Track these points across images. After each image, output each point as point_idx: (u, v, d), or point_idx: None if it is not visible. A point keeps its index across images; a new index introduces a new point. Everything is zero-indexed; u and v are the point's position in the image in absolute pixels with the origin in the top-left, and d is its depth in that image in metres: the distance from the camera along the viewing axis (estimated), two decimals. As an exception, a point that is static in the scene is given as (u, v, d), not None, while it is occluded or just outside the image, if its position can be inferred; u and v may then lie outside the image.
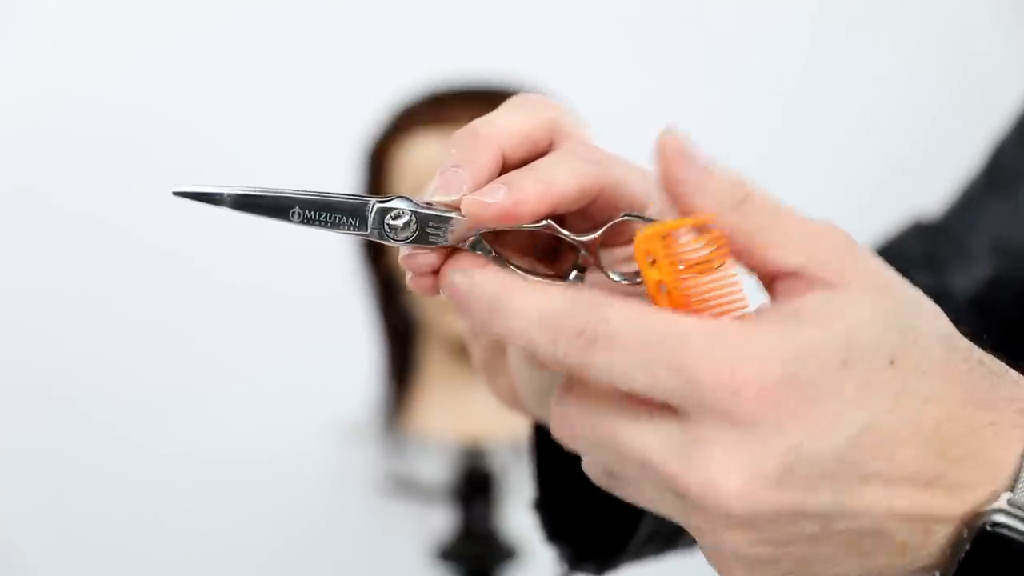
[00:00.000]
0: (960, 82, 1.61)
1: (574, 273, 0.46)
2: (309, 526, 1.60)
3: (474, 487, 1.26)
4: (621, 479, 0.40)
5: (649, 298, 0.41)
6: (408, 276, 0.45)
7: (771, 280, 0.40)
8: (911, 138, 1.58)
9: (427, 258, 0.45)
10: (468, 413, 1.23)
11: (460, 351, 1.22)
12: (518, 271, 0.45)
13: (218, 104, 1.54)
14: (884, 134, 1.59)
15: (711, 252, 0.40)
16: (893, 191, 1.60)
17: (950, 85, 1.60)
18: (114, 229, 1.54)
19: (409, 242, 0.44)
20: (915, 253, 0.80)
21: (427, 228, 0.45)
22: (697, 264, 0.41)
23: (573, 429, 0.40)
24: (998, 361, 0.41)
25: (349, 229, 0.45)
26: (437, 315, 1.19)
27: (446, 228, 0.45)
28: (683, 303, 0.41)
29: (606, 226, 0.46)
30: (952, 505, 0.39)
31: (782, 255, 0.39)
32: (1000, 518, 0.38)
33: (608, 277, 0.46)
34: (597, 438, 0.40)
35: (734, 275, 0.41)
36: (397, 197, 0.45)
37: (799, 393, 0.37)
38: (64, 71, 1.53)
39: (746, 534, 0.38)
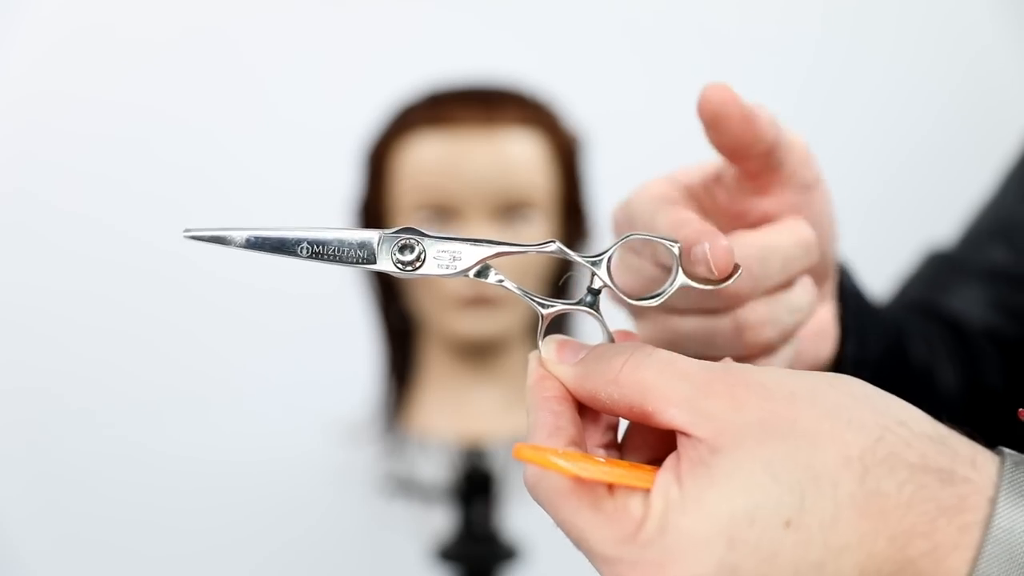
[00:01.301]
0: (963, 84, 1.61)
1: (588, 296, 0.47)
2: (309, 526, 1.60)
3: (474, 487, 1.26)
4: None
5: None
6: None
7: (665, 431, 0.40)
8: (914, 141, 1.59)
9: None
10: (468, 413, 1.23)
11: (460, 351, 1.22)
12: (524, 294, 0.47)
13: (218, 104, 1.54)
14: (887, 137, 1.59)
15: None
16: (896, 193, 1.61)
17: (953, 87, 1.60)
18: (113, 229, 1.54)
19: (417, 272, 0.45)
20: (927, 281, 0.80)
21: (434, 257, 0.45)
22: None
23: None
24: (952, 446, 0.37)
25: (357, 262, 0.46)
26: (437, 315, 1.19)
27: (454, 257, 0.45)
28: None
29: (614, 246, 0.46)
30: None
31: (668, 416, 0.39)
32: None
33: (619, 296, 0.47)
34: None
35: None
36: (403, 228, 0.46)
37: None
38: (63, 71, 1.53)
39: None
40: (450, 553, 1.26)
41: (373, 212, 1.22)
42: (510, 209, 1.14)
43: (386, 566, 1.58)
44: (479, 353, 1.21)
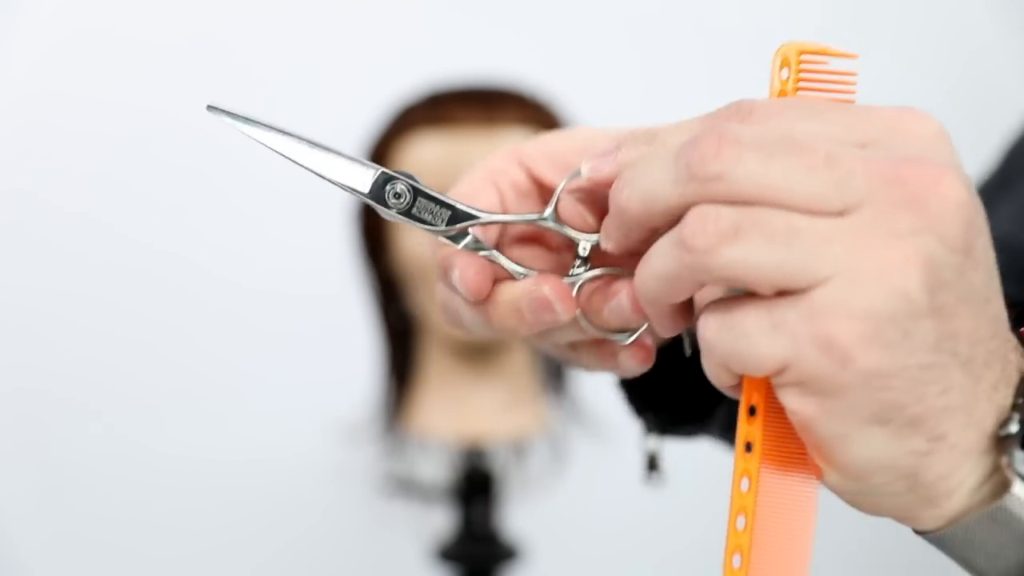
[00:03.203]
0: (962, 83, 1.61)
1: (579, 265, 0.47)
2: (309, 526, 1.60)
3: (474, 487, 1.26)
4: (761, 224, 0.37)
5: None
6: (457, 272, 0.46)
7: None
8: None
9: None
10: (468, 413, 1.23)
11: (460, 351, 1.22)
12: (510, 264, 0.47)
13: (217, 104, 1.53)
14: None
15: (837, 83, 0.41)
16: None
17: (952, 87, 1.60)
18: (113, 229, 1.54)
19: (399, 214, 0.46)
20: None
21: (421, 209, 0.46)
22: (821, 91, 0.41)
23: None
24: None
25: (350, 187, 0.47)
26: (437, 315, 1.19)
27: (440, 214, 0.46)
28: None
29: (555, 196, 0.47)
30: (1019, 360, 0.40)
31: None
32: None
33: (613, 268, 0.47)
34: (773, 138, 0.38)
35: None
36: (401, 172, 0.47)
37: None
38: (63, 71, 1.53)
39: (926, 244, 0.36)
40: (450, 553, 1.26)
41: (373, 212, 1.22)
42: (510, 209, 1.14)
43: (386, 566, 1.58)
44: (479, 353, 1.21)
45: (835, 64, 0.41)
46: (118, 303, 1.55)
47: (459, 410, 1.23)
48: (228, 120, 0.48)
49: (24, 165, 1.54)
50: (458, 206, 0.46)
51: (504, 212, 0.49)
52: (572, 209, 0.46)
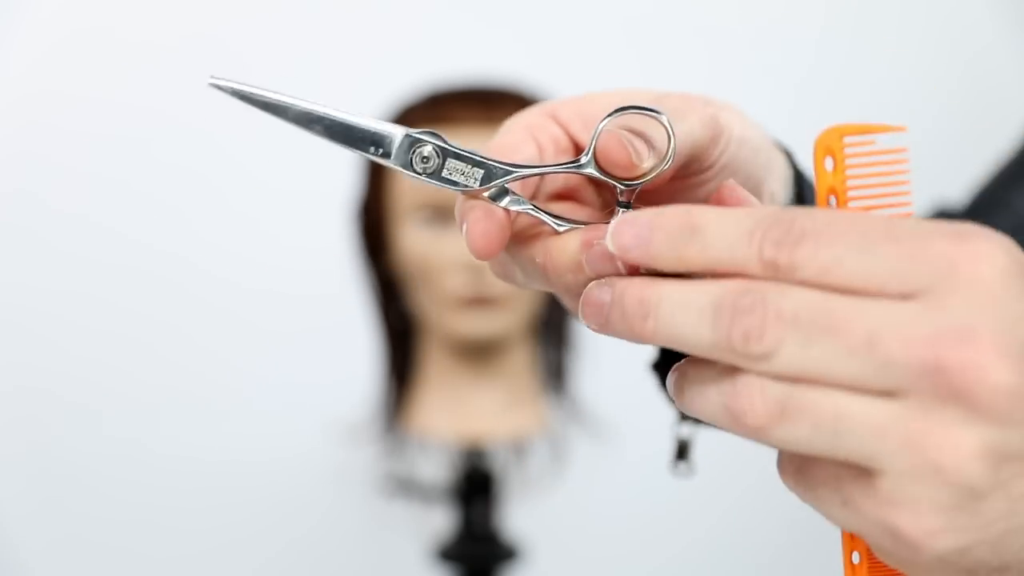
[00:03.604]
0: (962, 83, 1.61)
1: (620, 212, 0.45)
2: (309, 526, 1.60)
3: (474, 487, 1.26)
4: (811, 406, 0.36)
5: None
6: (477, 234, 0.44)
7: None
8: (913, 141, 1.58)
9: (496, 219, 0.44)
10: (468, 413, 1.23)
11: (460, 351, 1.22)
12: (551, 218, 0.45)
13: (217, 105, 1.53)
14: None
15: (888, 164, 0.38)
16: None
17: (952, 87, 1.60)
18: (112, 230, 1.54)
19: (428, 177, 0.45)
20: None
21: (452, 171, 0.45)
22: (872, 175, 0.39)
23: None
24: None
25: (373, 154, 0.45)
26: (437, 315, 1.19)
27: (473, 174, 0.45)
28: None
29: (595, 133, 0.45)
30: None
31: None
32: None
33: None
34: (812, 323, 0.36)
35: (907, 194, 0.39)
36: (427, 131, 0.45)
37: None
38: (63, 71, 1.53)
39: (980, 433, 0.34)
40: (450, 553, 1.26)
41: (373, 212, 1.22)
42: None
43: (386, 566, 1.58)
44: (479, 353, 1.21)
45: (882, 142, 0.39)
46: (118, 303, 1.55)
47: (459, 410, 1.23)
48: (236, 90, 0.46)
49: (24, 166, 1.54)
50: (491, 162, 0.44)
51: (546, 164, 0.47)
52: (615, 149, 0.44)
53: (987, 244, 0.35)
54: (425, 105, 1.17)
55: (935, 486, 0.35)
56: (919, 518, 0.35)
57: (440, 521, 1.30)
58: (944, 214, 0.82)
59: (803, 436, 0.36)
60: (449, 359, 1.23)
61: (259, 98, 0.46)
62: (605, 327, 0.41)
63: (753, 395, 0.36)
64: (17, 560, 1.56)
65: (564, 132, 0.48)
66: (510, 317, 1.18)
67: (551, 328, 1.28)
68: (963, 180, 0.89)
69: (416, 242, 1.17)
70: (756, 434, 0.37)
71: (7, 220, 1.54)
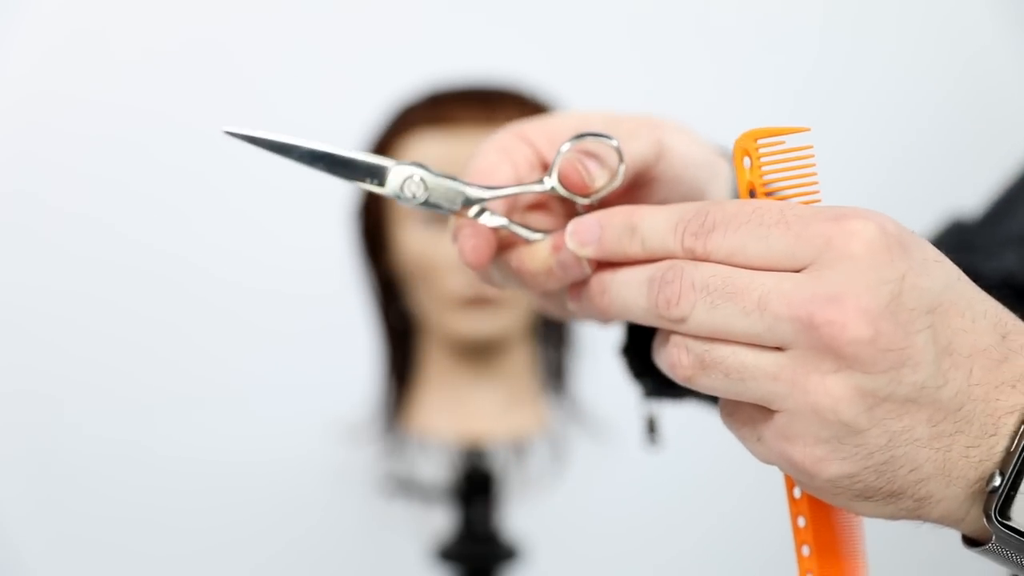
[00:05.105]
0: (962, 83, 1.61)
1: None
2: (309, 526, 1.60)
3: (474, 487, 1.26)
4: (713, 355, 0.44)
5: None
6: (469, 245, 0.54)
7: None
8: (913, 141, 1.58)
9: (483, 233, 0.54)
10: (468, 413, 1.23)
11: (460, 351, 1.22)
12: (522, 231, 0.54)
13: (216, 105, 1.53)
14: (886, 137, 1.59)
15: (797, 160, 0.46)
16: (895, 192, 1.61)
17: (952, 87, 1.60)
18: (112, 230, 1.54)
19: (419, 205, 0.53)
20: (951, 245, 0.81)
21: (438, 197, 0.53)
22: (783, 171, 0.46)
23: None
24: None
25: (367, 183, 0.53)
26: (437, 315, 1.19)
27: (455, 198, 0.53)
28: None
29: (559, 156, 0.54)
30: (1016, 398, 0.42)
31: None
32: None
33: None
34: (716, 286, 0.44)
35: (814, 183, 0.46)
36: (414, 163, 0.54)
37: (900, 240, 0.42)
38: (63, 72, 1.53)
39: (848, 379, 0.41)
40: (450, 553, 1.26)
41: (373, 212, 1.22)
42: (510, 209, 1.14)
43: (386, 566, 1.58)
44: (479, 353, 1.21)
45: (791, 141, 0.46)
46: (118, 303, 1.55)
47: (459, 410, 1.23)
48: (247, 136, 0.53)
49: (24, 166, 1.54)
50: (468, 189, 0.53)
51: (519, 184, 0.55)
52: (573, 175, 0.54)
53: (860, 222, 0.42)
54: (425, 105, 1.17)
55: (817, 423, 0.42)
56: (807, 449, 0.43)
57: (440, 521, 1.30)
58: (959, 225, 0.84)
59: (719, 383, 0.44)
60: (449, 359, 1.23)
61: (268, 141, 0.54)
62: (579, 306, 0.52)
63: (680, 351, 0.45)
64: (17, 560, 1.56)
65: (534, 151, 0.56)
66: (510, 317, 1.18)
67: (551, 328, 1.28)
68: (963, 180, 0.89)
69: (416, 242, 1.17)
70: (687, 383, 0.46)
71: (7, 220, 1.54)
